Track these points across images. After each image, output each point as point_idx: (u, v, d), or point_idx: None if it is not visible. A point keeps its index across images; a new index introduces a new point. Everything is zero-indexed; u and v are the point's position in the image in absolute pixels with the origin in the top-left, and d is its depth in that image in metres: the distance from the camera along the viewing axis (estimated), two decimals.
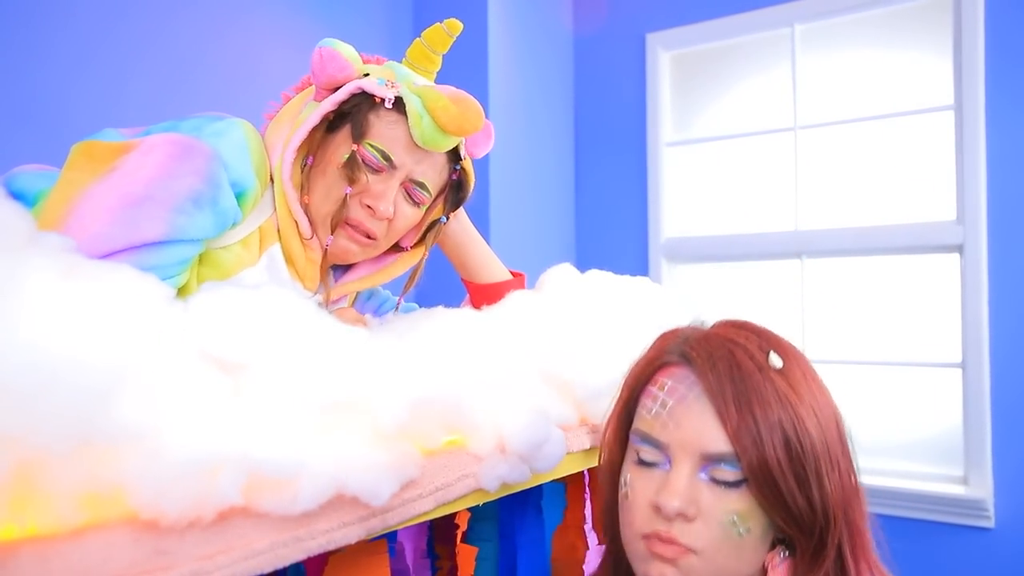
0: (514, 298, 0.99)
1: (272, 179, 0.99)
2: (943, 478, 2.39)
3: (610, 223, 2.94)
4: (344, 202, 0.98)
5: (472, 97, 0.98)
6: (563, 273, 1.09)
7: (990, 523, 2.26)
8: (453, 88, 0.98)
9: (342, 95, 0.98)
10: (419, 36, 1.05)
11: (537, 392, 0.83)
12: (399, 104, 0.98)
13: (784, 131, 2.71)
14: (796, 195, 2.67)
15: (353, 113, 0.99)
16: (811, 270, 2.64)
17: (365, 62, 1.05)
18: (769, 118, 2.74)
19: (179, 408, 0.50)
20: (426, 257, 1.13)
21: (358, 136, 0.98)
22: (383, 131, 0.99)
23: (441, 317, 0.87)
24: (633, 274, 1.15)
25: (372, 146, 0.98)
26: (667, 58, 2.90)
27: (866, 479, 2.42)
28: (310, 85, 1.06)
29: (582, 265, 1.15)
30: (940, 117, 2.44)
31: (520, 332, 0.89)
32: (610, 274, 1.11)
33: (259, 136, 0.98)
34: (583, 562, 1.01)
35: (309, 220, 1.00)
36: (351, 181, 0.97)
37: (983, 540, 2.28)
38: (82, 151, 0.86)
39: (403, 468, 0.63)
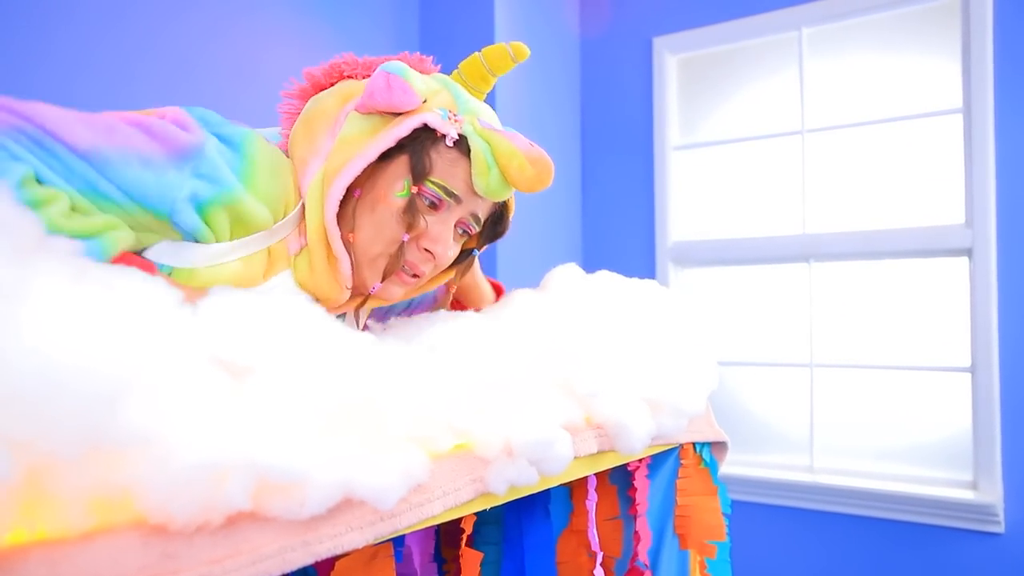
0: (519, 299, 0.99)
1: (301, 198, 0.90)
2: (952, 483, 2.38)
3: (617, 227, 2.94)
4: (401, 249, 0.89)
5: (546, 154, 0.89)
6: (568, 273, 1.08)
7: (1000, 528, 2.25)
8: (524, 141, 0.89)
9: (404, 131, 0.87)
10: (479, 52, 0.96)
11: (543, 394, 0.83)
12: (461, 141, 0.89)
13: (791, 135, 2.70)
14: (803, 199, 2.67)
15: (413, 148, 0.88)
16: (819, 274, 2.63)
17: (413, 67, 0.94)
18: (776, 121, 2.73)
19: (187, 413, 0.50)
20: (454, 289, 1.06)
21: (420, 176, 0.88)
22: (444, 168, 0.89)
23: (446, 320, 0.86)
24: (640, 277, 1.15)
25: (434, 183, 0.89)
26: (674, 62, 2.90)
27: (875, 484, 2.42)
28: (342, 78, 0.95)
29: (589, 268, 1.15)
30: (948, 120, 2.43)
31: (526, 333, 0.88)
32: (617, 276, 1.11)
33: (284, 160, 0.89)
34: (591, 567, 1.01)
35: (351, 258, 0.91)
36: (409, 227, 0.88)
37: (992, 545, 2.26)
38: None
39: (411, 472, 0.63)
